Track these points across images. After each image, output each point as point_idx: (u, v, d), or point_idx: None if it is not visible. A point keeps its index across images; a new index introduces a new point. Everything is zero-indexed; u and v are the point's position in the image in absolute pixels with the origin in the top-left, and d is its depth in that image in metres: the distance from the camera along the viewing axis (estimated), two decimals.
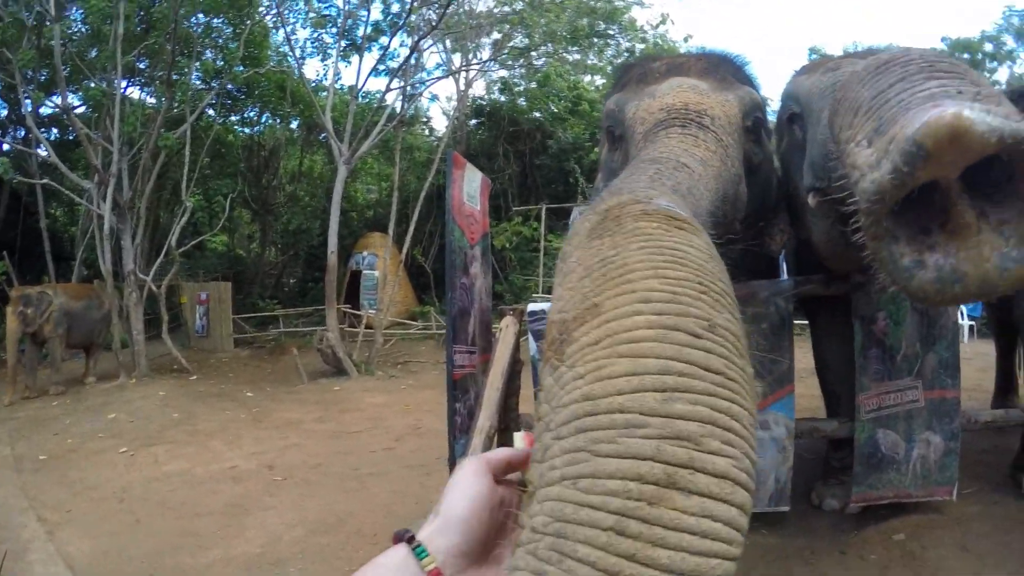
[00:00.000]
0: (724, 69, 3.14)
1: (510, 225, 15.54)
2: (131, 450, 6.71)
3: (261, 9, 14.07)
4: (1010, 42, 20.22)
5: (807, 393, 4.88)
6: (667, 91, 2.77)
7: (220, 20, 13.62)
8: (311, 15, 15.09)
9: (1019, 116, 1.62)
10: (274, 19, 14.13)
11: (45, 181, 12.49)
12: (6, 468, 6.30)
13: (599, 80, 18.27)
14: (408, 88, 14.32)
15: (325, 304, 11.99)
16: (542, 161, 17.24)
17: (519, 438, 3.58)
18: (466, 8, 15.59)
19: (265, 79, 14.93)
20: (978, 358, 7.76)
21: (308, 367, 11.01)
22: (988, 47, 20.30)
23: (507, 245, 15.27)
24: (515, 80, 18.15)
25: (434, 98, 26.08)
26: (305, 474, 5.70)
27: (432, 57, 17.52)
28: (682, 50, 16.57)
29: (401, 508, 4.61)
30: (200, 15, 13.16)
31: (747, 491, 0.72)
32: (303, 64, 15.01)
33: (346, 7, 13.61)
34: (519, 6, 15.27)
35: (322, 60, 14.91)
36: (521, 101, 17.84)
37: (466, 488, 0.78)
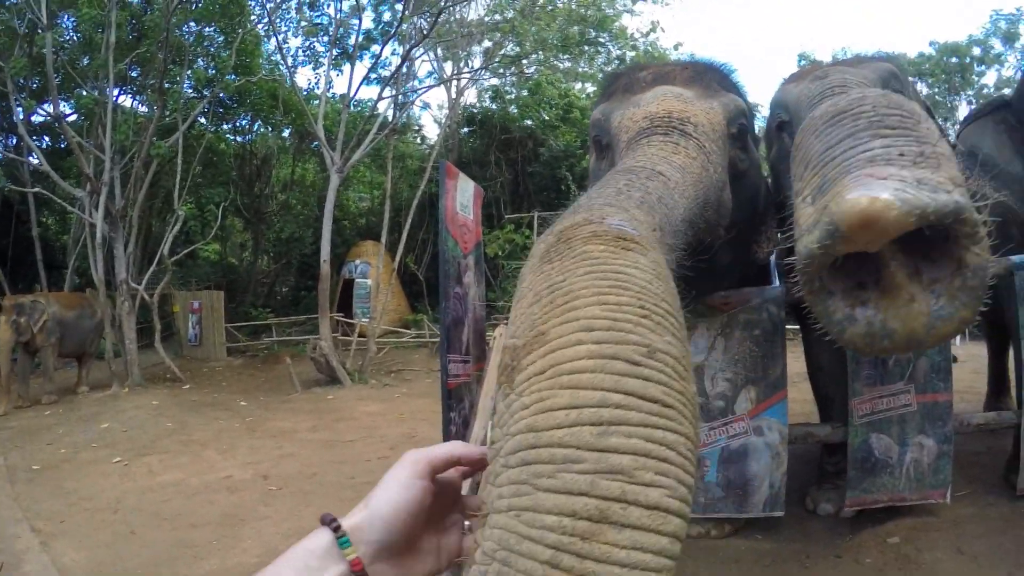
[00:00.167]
0: (710, 77, 3.18)
1: (502, 233, 15.57)
2: (125, 460, 6.68)
3: (253, 18, 14.10)
4: (997, 45, 20.40)
5: (800, 398, 4.90)
6: (651, 100, 2.80)
7: (212, 29, 13.63)
8: (303, 24, 15.13)
9: (957, 180, 1.72)
10: (266, 28, 14.18)
11: (37, 189, 12.49)
12: None
13: (590, 88, 18.33)
14: (400, 96, 14.36)
15: (318, 313, 11.98)
16: (534, 169, 17.28)
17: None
18: (457, 17, 15.64)
19: (257, 87, 14.94)
20: (971, 360, 7.81)
21: (301, 376, 10.99)
22: (976, 51, 20.46)
23: (500, 253, 15.29)
24: (506, 88, 18.21)
25: (426, 106, 26.22)
26: (300, 483, 5.69)
27: (423, 66, 17.58)
28: (672, 58, 16.69)
29: None
30: (192, 24, 13.18)
31: (681, 517, 0.75)
32: (295, 73, 15.02)
33: (338, 16, 13.67)
34: (510, 14, 15.32)
35: (314, 69, 15.02)
36: (512, 109, 17.90)
37: (398, 491, 0.80)
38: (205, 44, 13.84)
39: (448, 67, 17.59)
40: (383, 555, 0.78)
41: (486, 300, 4.04)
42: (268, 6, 13.59)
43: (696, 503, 3.59)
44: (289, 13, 15.14)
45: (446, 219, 3.34)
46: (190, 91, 13.82)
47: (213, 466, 6.40)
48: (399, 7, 13.31)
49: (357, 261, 17.49)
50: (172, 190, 12.70)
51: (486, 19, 16.35)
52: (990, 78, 20.56)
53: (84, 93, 12.33)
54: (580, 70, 17.88)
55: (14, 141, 15.62)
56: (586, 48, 16.84)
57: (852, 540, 3.58)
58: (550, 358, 0.83)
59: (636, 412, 0.77)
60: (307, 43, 15.04)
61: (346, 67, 13.77)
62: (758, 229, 3.40)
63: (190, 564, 4.12)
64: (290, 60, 14.74)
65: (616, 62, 16.99)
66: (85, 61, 12.85)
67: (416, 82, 16.19)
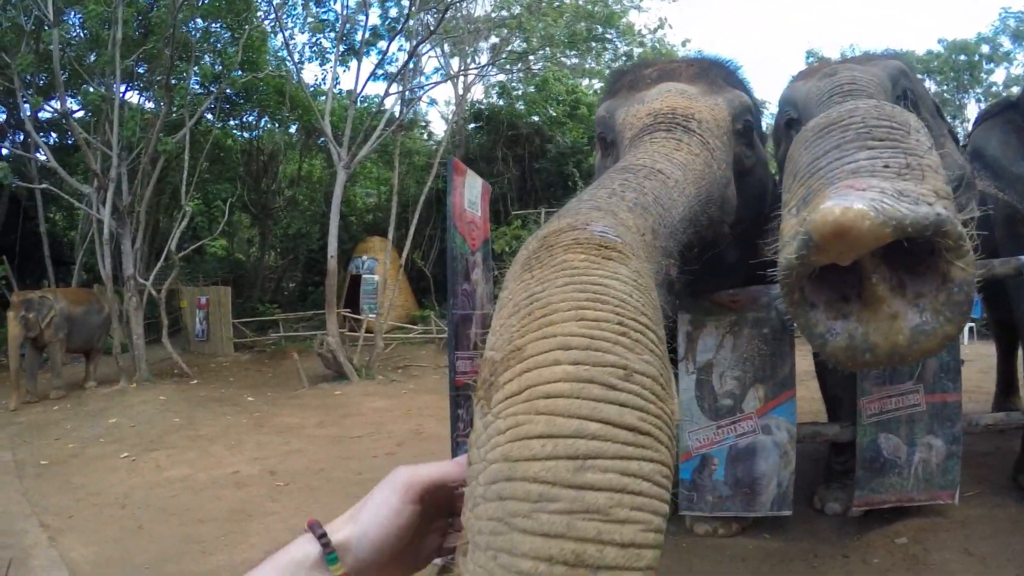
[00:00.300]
0: (715, 73, 3.19)
1: (509, 229, 15.56)
2: (132, 455, 6.71)
3: (259, 14, 14.09)
4: (1006, 44, 20.33)
5: (808, 396, 4.89)
6: (655, 96, 2.81)
7: (218, 25, 13.63)
8: (309, 20, 15.12)
9: (941, 193, 1.70)
10: (272, 24, 14.17)
11: (44, 186, 12.51)
12: (7, 473, 6.29)
13: (597, 84, 18.30)
14: (407, 93, 14.35)
15: (325, 308, 11.98)
16: (541, 165, 17.27)
17: None
18: (464, 13, 15.61)
19: (264, 84, 14.95)
20: (979, 360, 7.78)
21: (309, 371, 11.02)
22: (985, 48, 20.39)
23: (506, 249, 15.29)
24: (513, 84, 18.19)
25: (433, 102, 26.19)
26: (308, 480, 5.70)
27: (430, 62, 17.58)
28: (680, 54, 16.65)
29: None
30: (198, 20, 13.17)
31: (655, 548, 0.75)
32: (301, 69, 15.02)
33: (344, 12, 13.63)
34: (517, 10, 15.29)
35: (320, 65, 14.91)
36: (519, 105, 17.89)
37: (389, 516, 0.80)
38: (212, 40, 13.85)
39: (455, 63, 17.59)
40: (367, 572, 0.79)
41: (494, 296, 4.03)
42: (275, 2, 13.58)
43: (704, 501, 3.60)
44: (296, 9, 15.16)
45: (454, 216, 3.33)
46: (197, 87, 13.85)
47: (220, 461, 6.42)
48: (405, 3, 13.32)
49: (364, 257, 17.52)
50: (179, 186, 12.71)
51: (493, 15, 16.33)
52: (999, 76, 20.53)
53: (91, 89, 12.37)
54: (587, 66, 17.87)
55: (21, 137, 15.71)
56: (593, 44, 16.80)
57: (860, 540, 3.57)
58: (526, 378, 0.82)
59: (612, 443, 0.76)
60: (313, 39, 15.01)
61: (353, 63, 13.73)
62: (765, 227, 3.40)
63: (197, 559, 4.13)
64: (296, 56, 14.76)
65: (623, 58, 16.96)
66: (92, 57, 12.86)
67: (423, 78, 16.22)
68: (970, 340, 11.55)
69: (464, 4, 14.92)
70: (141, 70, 13.50)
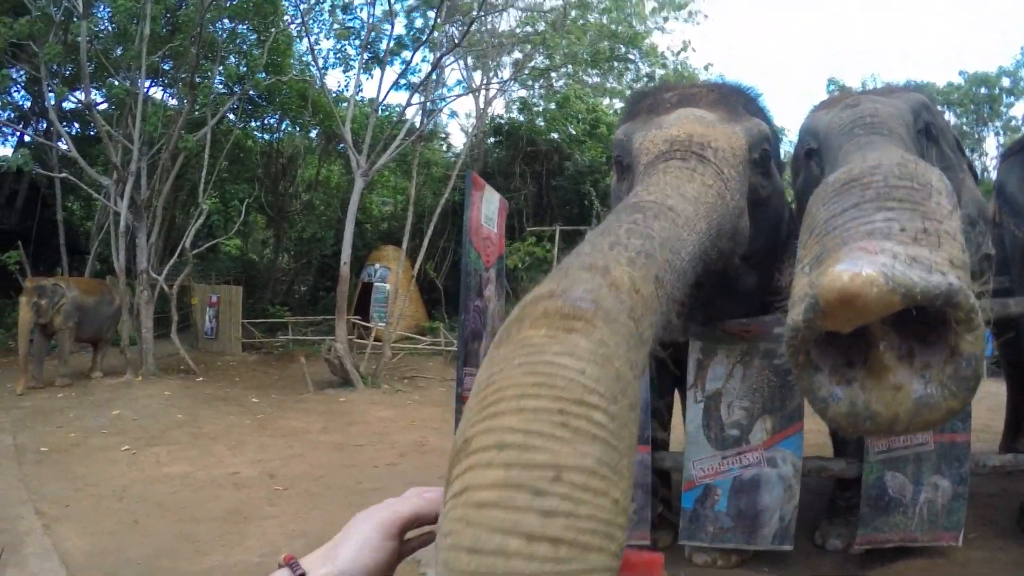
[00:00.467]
0: (735, 100, 3.17)
1: (523, 245, 15.55)
2: (134, 448, 6.71)
3: (286, 18, 14.23)
4: None
5: (815, 429, 4.82)
6: (673, 122, 2.78)
7: (245, 26, 13.79)
8: (335, 26, 15.27)
9: (957, 262, 1.66)
10: (298, 28, 14.29)
11: (64, 175, 12.64)
12: (7, 458, 6.30)
13: (618, 103, 18.33)
14: (428, 104, 14.42)
15: (335, 314, 12.00)
16: (558, 182, 17.28)
17: None
18: (489, 27, 15.71)
19: (287, 87, 15.09)
20: (988, 397, 7.65)
21: (315, 376, 11.01)
22: (1005, 82, 20.32)
23: (520, 265, 15.28)
24: (534, 100, 18.24)
25: (453, 114, 26.26)
26: (307, 485, 5.68)
27: (453, 74, 17.68)
28: (702, 77, 16.68)
29: None
30: (226, 20, 13.33)
31: None
32: (325, 74, 15.17)
33: (370, 20, 13.74)
34: (541, 27, 15.36)
35: (344, 71, 15.13)
36: (540, 121, 17.91)
37: (369, 554, 0.81)
38: (238, 41, 14.02)
39: (477, 76, 17.70)
40: None
41: (506, 313, 4.02)
42: (302, 7, 13.70)
43: (704, 532, 3.56)
44: (322, 15, 15.31)
45: (470, 231, 3.32)
46: (220, 87, 13.96)
47: (221, 461, 6.41)
48: (431, 14, 13.40)
49: (377, 265, 17.54)
50: (197, 183, 12.82)
51: (517, 31, 16.41)
52: (1019, 109, 20.48)
53: (116, 83, 12.52)
54: (609, 85, 17.92)
55: (44, 126, 15.85)
56: (615, 64, 16.86)
57: None
58: (466, 478, 0.83)
59: (530, 561, 0.76)
60: (339, 46, 15.18)
61: (376, 71, 13.85)
62: (781, 256, 3.37)
63: (192, 558, 4.12)
64: (321, 62, 14.88)
65: (645, 79, 17.01)
66: (119, 51, 13.02)
67: (445, 90, 16.31)
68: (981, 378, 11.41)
69: (489, 18, 15.03)
70: (167, 67, 13.65)
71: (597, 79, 17.99)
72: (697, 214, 2.12)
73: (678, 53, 17.94)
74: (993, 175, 17.57)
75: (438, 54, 13.34)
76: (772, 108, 3.57)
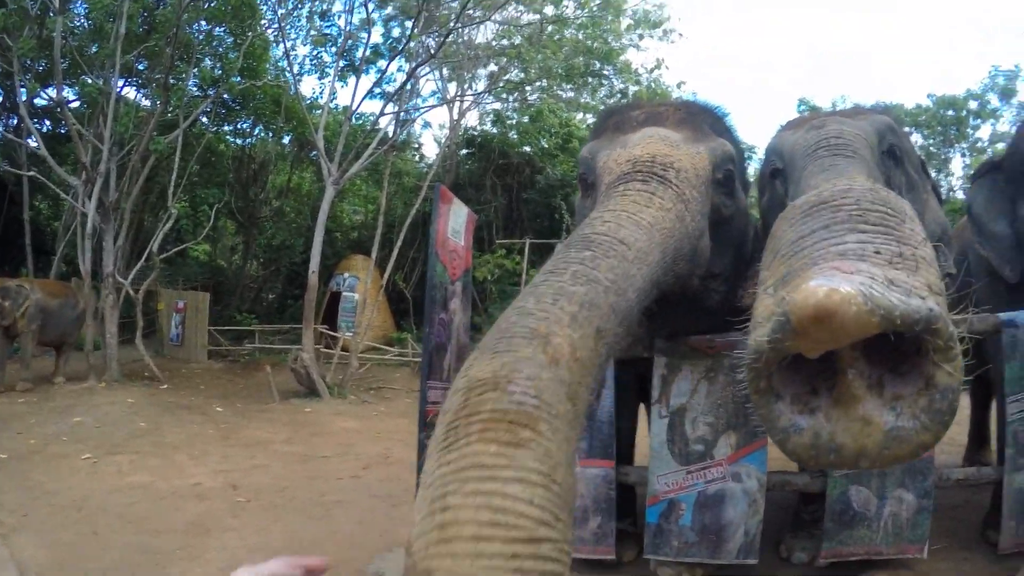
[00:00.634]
0: (702, 120, 3.20)
1: (493, 257, 15.55)
2: (94, 457, 6.58)
3: (263, 22, 14.12)
4: (994, 101, 20.68)
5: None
6: (637, 142, 2.80)
7: (222, 29, 13.64)
8: (312, 33, 15.17)
9: (935, 288, 1.58)
10: (275, 33, 14.18)
11: (32, 173, 12.39)
12: None
13: (590, 118, 18.41)
14: (402, 113, 14.40)
15: (302, 323, 11.89)
16: (529, 195, 17.31)
17: None
18: (465, 39, 15.75)
19: (261, 92, 14.93)
20: None
21: (280, 386, 10.88)
22: (973, 104, 20.74)
23: (488, 277, 15.27)
24: (508, 113, 18.28)
25: (427, 125, 26.25)
26: (270, 497, 5.60)
27: (428, 84, 17.64)
28: (675, 95, 16.84)
29: (365, 540, 4.52)
30: (202, 22, 13.17)
31: None
32: (300, 81, 15.06)
33: (347, 28, 13.71)
34: (517, 41, 15.42)
35: (319, 78, 14.98)
36: (512, 134, 17.96)
37: None
38: (214, 44, 13.87)
39: (452, 88, 17.72)
40: None
41: (472, 325, 4.02)
42: (279, 12, 13.62)
43: (669, 546, 3.57)
44: (300, 21, 15.20)
45: (436, 244, 3.32)
46: (195, 89, 13.82)
47: (183, 471, 6.30)
48: (409, 24, 13.41)
49: (346, 274, 17.40)
50: (167, 187, 12.60)
51: (494, 43, 16.47)
52: (985, 132, 20.87)
53: (89, 81, 12.29)
54: (582, 100, 18.00)
55: (15, 122, 15.55)
56: (590, 80, 16.94)
57: None
58: None
59: None
60: (315, 52, 15.08)
61: (351, 79, 13.81)
62: (745, 274, 3.41)
63: (151, 571, 4.04)
64: (296, 67, 14.79)
65: (619, 95, 17.12)
66: (94, 49, 12.78)
67: (419, 100, 16.29)
68: None
69: (466, 30, 15.07)
70: (141, 67, 13.46)
71: (571, 94, 18.07)
72: (651, 243, 2.12)
73: (652, 70, 18.04)
74: (959, 195, 18.00)
75: (414, 64, 13.35)
76: (743, 126, 3.61)
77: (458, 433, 1.20)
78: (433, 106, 18.47)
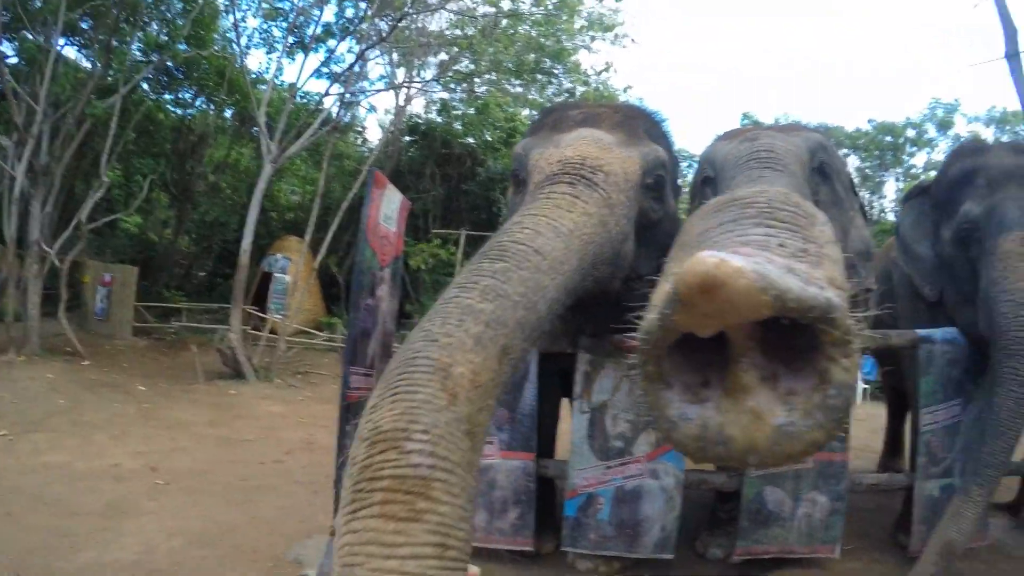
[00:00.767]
0: (638, 124, 3.23)
1: (428, 247, 15.47)
2: (10, 435, 6.35)
3: None
4: (932, 131, 21.54)
5: None
6: (570, 142, 2.83)
7: None
8: (264, 5, 14.81)
9: (836, 283, 1.54)
10: (226, 3, 13.81)
11: None
12: None
13: (536, 116, 18.38)
14: (348, 95, 14.21)
15: (231, 303, 11.64)
16: (469, 187, 17.27)
17: None
18: (419, 25, 15.61)
19: (206, 62, 14.55)
20: (870, 419, 8.17)
21: (206, 366, 10.64)
22: (910, 132, 21.58)
23: (423, 266, 15.21)
24: (454, 103, 18.19)
25: (372, 109, 25.94)
26: (190, 480, 5.49)
27: (376, 68, 17.44)
28: (621, 98, 17.03)
29: (285, 526, 4.48)
30: None
31: None
32: (247, 54, 14.72)
33: (300, 3, 13.46)
34: (471, 32, 15.36)
35: (267, 53, 14.68)
36: (457, 125, 17.87)
37: None
38: (162, 8, 13.38)
39: (400, 73, 17.53)
40: None
41: (404, 313, 4.02)
42: None
43: (587, 539, 3.65)
44: None
45: (367, 229, 3.30)
46: (138, 53, 13.33)
47: (102, 452, 6.13)
48: (363, 5, 13.21)
49: (278, 255, 17.05)
50: (101, 154, 12.09)
51: (447, 32, 16.36)
52: (920, 159, 21.77)
53: (30, 36, 11.76)
54: (530, 97, 18.01)
55: None
56: (539, 77, 17.01)
57: None
58: None
59: None
60: (265, 25, 14.75)
61: (299, 57, 13.58)
62: None
63: (66, 555, 3.92)
64: (244, 40, 14.42)
65: (566, 94, 17.23)
66: (37, 3, 12.20)
67: (367, 83, 16.08)
68: (863, 400, 12.14)
69: (420, 16, 14.93)
70: (85, 25, 12.93)
71: (519, 89, 18.07)
72: (568, 250, 2.15)
73: (600, 73, 18.21)
74: (890, 216, 18.73)
75: (364, 46, 13.16)
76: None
77: (363, 500, 1.35)
78: (380, 90, 18.27)
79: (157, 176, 15.32)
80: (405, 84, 16.65)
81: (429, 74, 17.32)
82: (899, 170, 21.99)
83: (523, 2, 15.84)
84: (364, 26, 13.12)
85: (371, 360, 3.50)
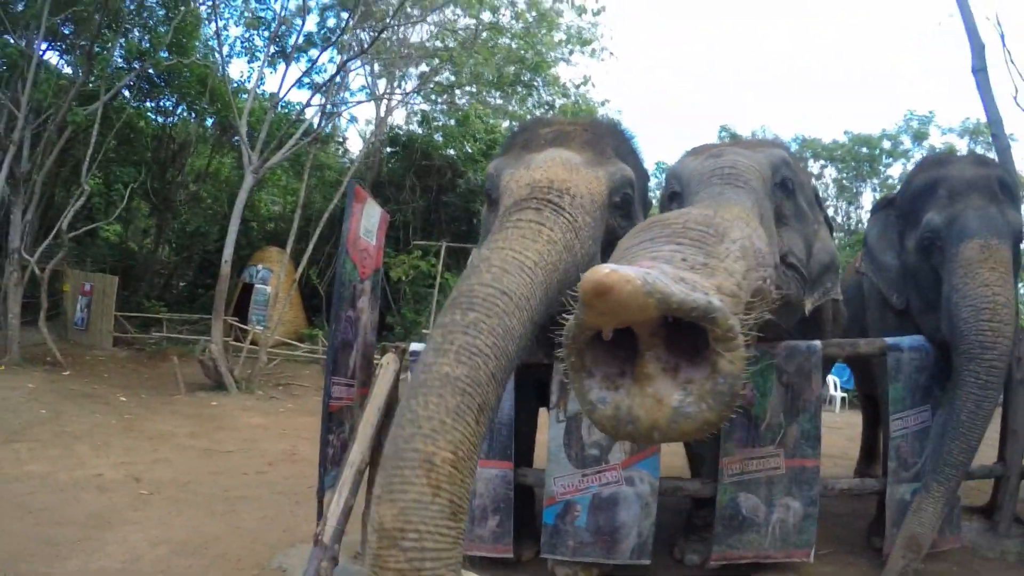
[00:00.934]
0: (607, 142, 3.30)
1: (408, 258, 15.51)
2: None
3: None
4: (907, 143, 21.84)
5: (673, 451, 5.11)
6: (539, 164, 2.91)
7: (154, 1, 13.23)
8: (246, 14, 14.84)
9: (725, 290, 1.85)
10: (208, 11, 13.82)
11: None
12: None
13: (516, 127, 18.41)
14: (329, 106, 14.26)
15: (212, 314, 11.61)
16: (449, 199, 17.30)
17: None
18: (400, 37, 15.69)
19: (188, 70, 14.50)
20: (848, 428, 8.32)
21: (187, 377, 10.63)
22: (886, 144, 21.88)
23: (403, 278, 15.24)
24: (435, 115, 18.25)
25: (353, 120, 25.93)
26: (173, 491, 5.52)
27: (357, 79, 17.47)
28: (600, 112, 17.22)
29: (268, 536, 4.53)
30: None
31: None
32: (229, 62, 14.72)
33: (282, 13, 13.51)
34: (451, 43, 15.48)
35: (249, 62, 14.70)
36: (438, 136, 17.92)
37: None
38: (144, 15, 13.40)
39: (381, 84, 17.59)
40: None
41: (384, 324, 4.10)
42: None
43: (565, 546, 3.73)
44: (235, 0, 14.88)
45: (348, 242, 3.38)
46: (120, 60, 13.33)
47: (84, 462, 6.15)
48: (345, 16, 13.27)
49: (260, 266, 17.00)
50: (82, 161, 12.04)
51: (428, 44, 16.45)
52: (895, 170, 22.00)
53: (11, 40, 11.71)
54: (510, 108, 18.11)
55: None
56: (519, 89, 17.14)
57: None
58: None
59: None
60: (247, 34, 14.77)
61: (280, 66, 13.62)
62: None
63: (50, 563, 3.95)
64: (226, 49, 14.47)
65: (546, 107, 17.36)
66: (20, 7, 12.13)
67: (348, 94, 16.14)
68: (841, 409, 12.30)
69: (401, 28, 15.02)
70: (67, 31, 12.88)
71: (500, 101, 18.18)
72: (533, 286, 2.29)
73: (579, 86, 18.38)
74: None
75: (345, 57, 13.22)
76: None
77: None
78: (361, 101, 18.29)
79: (137, 184, 15.21)
80: (386, 95, 16.74)
81: (410, 85, 17.43)
82: (875, 181, 22.30)
83: (503, 15, 16.03)
84: (346, 37, 13.19)
85: (352, 370, 3.58)
